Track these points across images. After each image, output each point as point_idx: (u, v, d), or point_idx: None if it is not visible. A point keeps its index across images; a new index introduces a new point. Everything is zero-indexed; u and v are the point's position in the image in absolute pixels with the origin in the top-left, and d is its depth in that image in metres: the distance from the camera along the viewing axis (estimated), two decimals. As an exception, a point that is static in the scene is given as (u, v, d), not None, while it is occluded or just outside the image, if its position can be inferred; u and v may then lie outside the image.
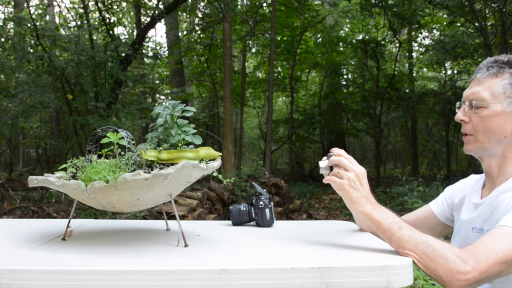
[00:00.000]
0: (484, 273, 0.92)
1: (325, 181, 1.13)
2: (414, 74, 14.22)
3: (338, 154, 1.14)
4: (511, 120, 1.12)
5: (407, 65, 14.15)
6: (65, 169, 1.08)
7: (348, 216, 6.84)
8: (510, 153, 1.15)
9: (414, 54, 14.44)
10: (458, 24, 11.13)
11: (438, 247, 0.95)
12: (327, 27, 12.87)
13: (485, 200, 1.17)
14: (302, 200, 7.54)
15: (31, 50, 7.95)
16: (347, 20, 13.30)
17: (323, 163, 1.15)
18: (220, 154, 1.14)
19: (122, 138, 1.05)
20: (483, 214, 1.16)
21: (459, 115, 1.20)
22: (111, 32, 8.70)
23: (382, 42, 12.10)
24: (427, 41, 13.25)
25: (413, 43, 13.76)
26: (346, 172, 1.10)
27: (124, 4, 10.83)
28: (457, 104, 1.24)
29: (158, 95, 14.27)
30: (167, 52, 12.27)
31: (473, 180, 1.33)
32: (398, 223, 1.02)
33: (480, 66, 1.19)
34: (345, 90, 14.23)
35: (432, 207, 1.40)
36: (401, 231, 1.00)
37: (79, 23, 9.39)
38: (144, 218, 5.19)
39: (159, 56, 10.50)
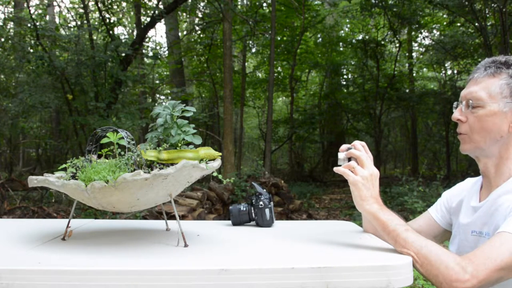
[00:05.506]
0: (483, 281, 0.92)
1: (337, 170, 1.13)
2: (414, 74, 14.21)
3: (359, 149, 1.14)
4: (507, 120, 1.12)
5: (407, 65, 14.14)
6: (65, 169, 1.08)
7: (348, 216, 6.84)
8: (507, 154, 1.14)
9: (414, 54, 14.43)
10: (458, 24, 11.12)
11: (440, 253, 0.96)
12: (327, 27, 12.86)
13: (483, 203, 1.17)
14: (302, 200, 7.54)
15: (31, 50, 7.96)
16: (347, 20, 13.29)
17: (342, 154, 1.17)
18: (220, 154, 1.14)
19: (122, 138, 1.05)
20: (482, 217, 1.15)
21: (456, 115, 1.19)
22: (111, 32, 8.70)
23: (382, 42, 12.10)
24: (427, 41, 13.25)
25: (413, 43, 13.75)
26: (362, 169, 1.10)
27: (124, 4, 10.83)
28: (454, 104, 1.23)
29: (158, 95, 14.26)
30: (167, 52, 12.27)
31: (470, 183, 1.33)
32: (404, 225, 1.04)
33: (478, 66, 1.19)
34: (345, 90, 14.22)
35: (432, 214, 1.39)
36: (407, 233, 1.01)
37: (79, 23, 9.39)
38: (144, 218, 5.19)
39: (159, 56, 10.50)
